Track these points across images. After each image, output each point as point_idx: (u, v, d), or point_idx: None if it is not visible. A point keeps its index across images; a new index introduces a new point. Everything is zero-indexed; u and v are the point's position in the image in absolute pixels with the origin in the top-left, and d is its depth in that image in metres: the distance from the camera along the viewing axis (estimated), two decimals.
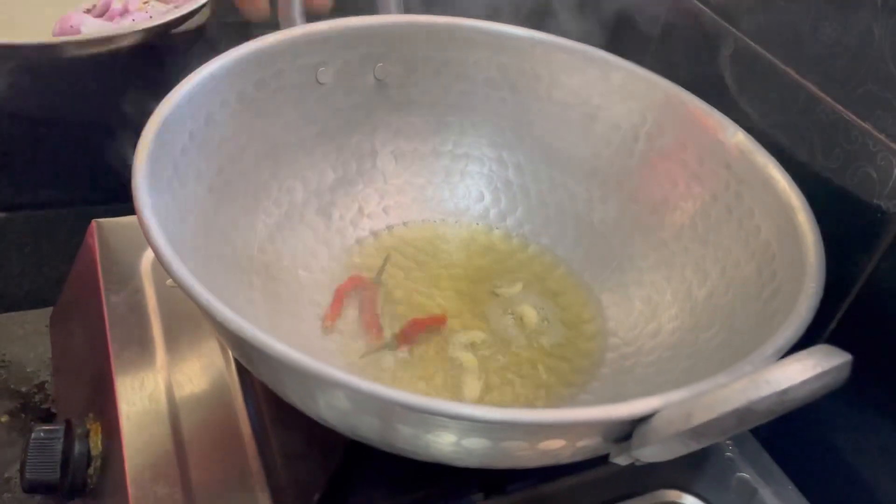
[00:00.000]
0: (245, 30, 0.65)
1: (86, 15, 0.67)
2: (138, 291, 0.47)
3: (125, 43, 0.60)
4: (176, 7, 0.66)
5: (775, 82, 0.43)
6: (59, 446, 0.39)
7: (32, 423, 0.61)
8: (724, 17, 0.47)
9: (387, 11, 0.52)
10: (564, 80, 0.49)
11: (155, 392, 0.41)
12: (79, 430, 0.40)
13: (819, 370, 0.24)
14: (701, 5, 0.48)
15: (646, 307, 0.45)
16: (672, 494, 0.40)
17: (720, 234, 0.43)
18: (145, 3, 0.69)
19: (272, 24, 0.48)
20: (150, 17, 0.66)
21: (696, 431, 0.25)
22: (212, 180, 0.40)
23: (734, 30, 0.46)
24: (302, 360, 0.27)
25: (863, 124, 0.38)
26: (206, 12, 0.70)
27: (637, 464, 0.29)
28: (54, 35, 0.65)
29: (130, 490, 0.36)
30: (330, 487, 0.36)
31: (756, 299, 0.38)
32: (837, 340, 0.41)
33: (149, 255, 0.49)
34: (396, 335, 0.43)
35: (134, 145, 0.35)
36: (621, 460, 0.29)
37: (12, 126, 0.73)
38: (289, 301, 0.42)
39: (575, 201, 0.50)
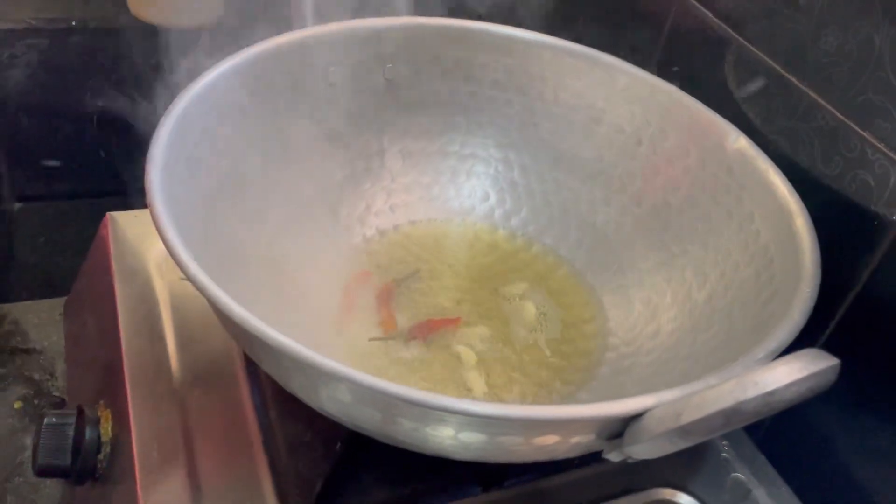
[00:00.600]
0: None
1: None
2: (150, 283, 0.48)
3: None
4: None
5: (778, 89, 0.44)
6: (70, 432, 0.40)
7: (45, 409, 0.62)
8: (729, 23, 0.47)
9: (397, 13, 0.53)
10: (570, 83, 0.50)
11: (164, 381, 0.42)
12: (90, 417, 0.42)
13: (805, 373, 0.25)
14: (706, 11, 0.49)
15: (646, 308, 0.45)
16: (667, 493, 0.41)
17: (720, 238, 0.43)
18: None
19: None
20: None
21: (685, 430, 0.26)
22: (222, 176, 0.41)
23: (738, 36, 0.47)
24: (305, 353, 0.28)
25: (861, 132, 0.39)
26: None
27: (629, 461, 0.30)
28: None
29: (139, 475, 0.38)
30: (332, 477, 0.37)
31: (754, 302, 0.38)
32: (834, 344, 0.42)
33: (161, 248, 0.50)
34: (409, 330, 0.44)
35: (146, 141, 0.36)
36: (613, 457, 0.30)
37: (27, 118, 0.74)
38: (296, 296, 0.43)
39: (578, 203, 0.51)
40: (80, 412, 0.42)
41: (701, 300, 0.43)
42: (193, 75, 0.40)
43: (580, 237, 0.50)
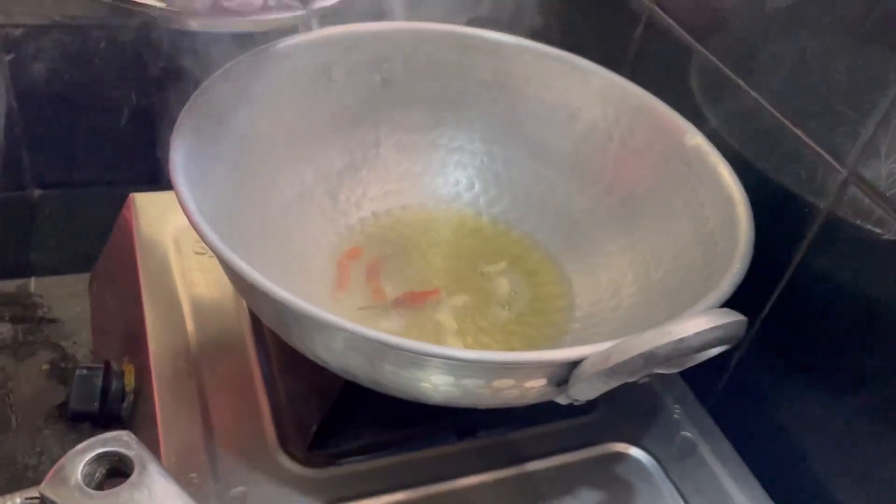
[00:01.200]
0: None
1: None
2: (168, 257, 0.54)
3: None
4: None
5: (730, 92, 0.49)
6: (98, 382, 0.46)
7: (72, 369, 0.68)
8: (692, 34, 0.53)
9: (393, 18, 0.59)
10: (551, 84, 0.55)
11: (181, 341, 0.48)
12: (116, 370, 0.47)
13: (711, 325, 0.30)
14: (672, 22, 0.54)
15: (610, 286, 0.51)
16: (622, 447, 0.46)
17: (677, 223, 0.49)
18: None
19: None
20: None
21: (613, 370, 0.31)
22: (236, 161, 0.46)
23: (700, 46, 0.52)
24: (305, 306, 0.33)
25: (795, 131, 0.44)
26: None
27: (575, 403, 0.36)
28: None
29: (160, 420, 0.43)
30: (326, 423, 0.43)
31: (698, 278, 0.44)
32: (773, 316, 0.47)
33: (178, 226, 0.55)
34: (394, 300, 0.49)
35: (162, 130, 0.42)
36: (561, 400, 0.36)
37: (49, 107, 0.78)
38: (297, 268, 0.49)
39: (555, 192, 0.56)
40: (108, 366, 0.48)
41: (657, 278, 0.48)
42: (212, 71, 0.46)
43: (556, 223, 0.55)
